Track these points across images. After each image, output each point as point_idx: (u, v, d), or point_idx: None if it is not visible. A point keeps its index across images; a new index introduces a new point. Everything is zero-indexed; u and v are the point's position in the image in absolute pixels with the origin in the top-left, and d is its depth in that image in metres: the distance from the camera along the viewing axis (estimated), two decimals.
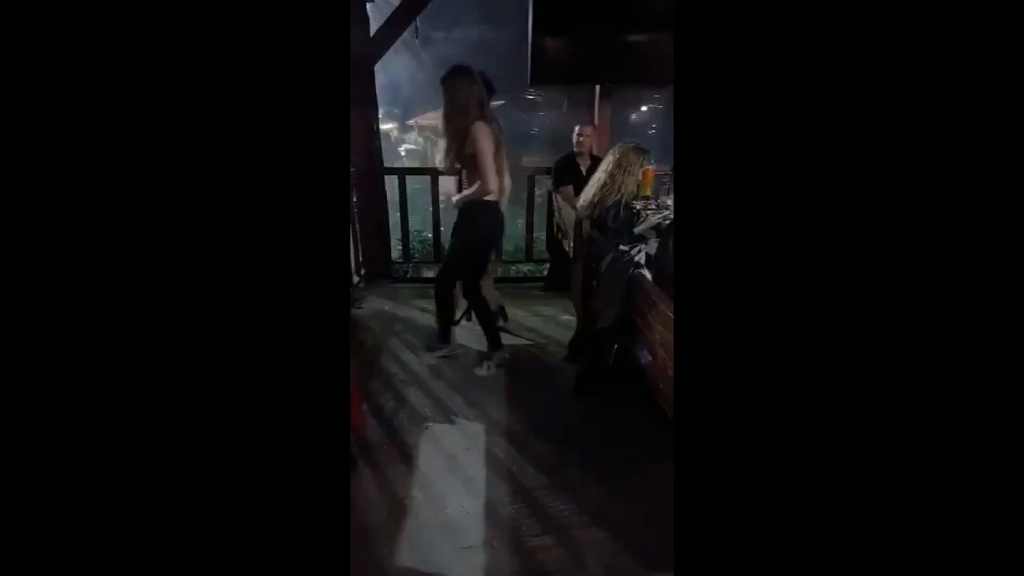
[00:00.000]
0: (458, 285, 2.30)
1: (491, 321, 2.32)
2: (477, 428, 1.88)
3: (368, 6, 3.03)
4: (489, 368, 2.26)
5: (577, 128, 2.96)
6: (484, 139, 1.97)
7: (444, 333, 2.41)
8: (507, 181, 2.25)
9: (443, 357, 2.39)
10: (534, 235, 3.50)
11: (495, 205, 2.11)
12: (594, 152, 2.99)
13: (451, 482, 1.61)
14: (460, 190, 2.19)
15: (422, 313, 2.94)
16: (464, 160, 2.04)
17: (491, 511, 1.49)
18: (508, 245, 3.97)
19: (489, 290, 2.53)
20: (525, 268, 3.85)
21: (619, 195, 2.01)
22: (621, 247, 1.76)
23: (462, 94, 1.96)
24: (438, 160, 2.10)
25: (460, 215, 2.17)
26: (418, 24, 3.10)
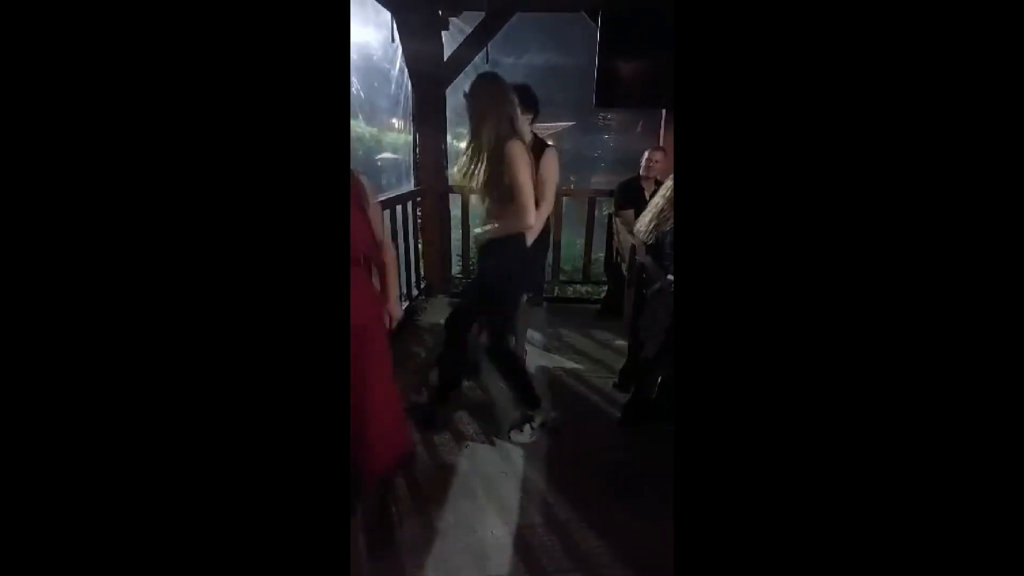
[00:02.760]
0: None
1: (522, 376, 1.92)
2: (517, 452, 1.86)
3: (443, 33, 3.17)
4: (532, 433, 1.90)
5: (647, 152, 2.90)
6: (521, 162, 1.60)
7: (531, 397, 1.92)
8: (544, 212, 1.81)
9: (546, 428, 1.96)
10: (592, 256, 3.46)
11: (520, 237, 1.72)
12: (659, 177, 2.92)
13: (484, 506, 1.59)
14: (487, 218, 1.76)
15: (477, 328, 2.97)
16: (496, 185, 1.65)
17: (521, 540, 1.46)
18: (566, 264, 3.96)
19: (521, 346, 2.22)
20: (582, 289, 3.81)
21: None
22: (669, 276, 1.69)
23: (490, 107, 1.61)
24: (466, 184, 1.72)
25: (482, 252, 1.79)
26: (489, 50, 3.20)
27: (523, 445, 1.88)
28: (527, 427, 1.91)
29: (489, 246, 1.73)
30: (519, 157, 1.60)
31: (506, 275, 1.76)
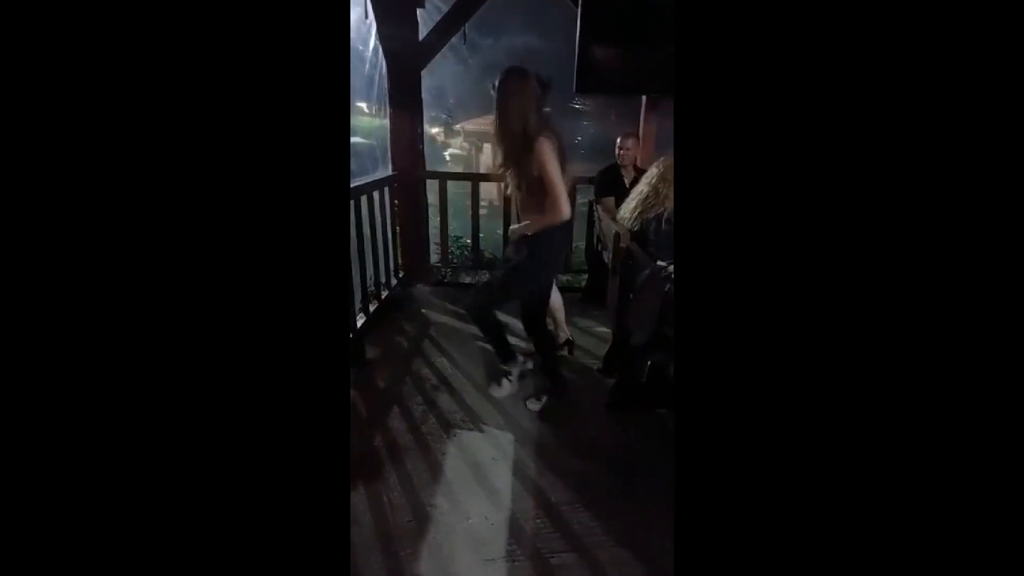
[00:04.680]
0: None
1: (556, 357, 2.11)
2: (506, 438, 1.87)
3: (418, 12, 3.09)
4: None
5: (619, 140, 2.91)
6: (551, 158, 1.65)
7: (506, 352, 2.05)
8: None
9: (520, 378, 2.10)
10: (573, 244, 3.46)
11: (566, 227, 1.86)
12: (638, 164, 2.93)
13: (477, 492, 1.59)
14: (518, 211, 1.88)
15: (457, 318, 2.95)
16: (526, 179, 1.72)
17: (515, 524, 1.47)
18: None
19: (561, 325, 2.44)
20: (563, 278, 3.81)
21: (661, 208, 1.96)
22: (659, 262, 1.71)
23: (519, 101, 1.65)
24: (500, 174, 1.81)
25: (519, 244, 1.85)
26: (466, 30, 3.13)
27: (527, 420, 1.98)
28: (545, 398, 2.06)
29: (528, 238, 1.80)
30: (548, 152, 1.65)
31: (551, 262, 1.90)
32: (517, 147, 1.69)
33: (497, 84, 1.69)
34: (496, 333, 2.00)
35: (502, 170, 1.77)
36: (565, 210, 1.69)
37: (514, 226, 1.86)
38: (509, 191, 1.87)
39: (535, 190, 1.71)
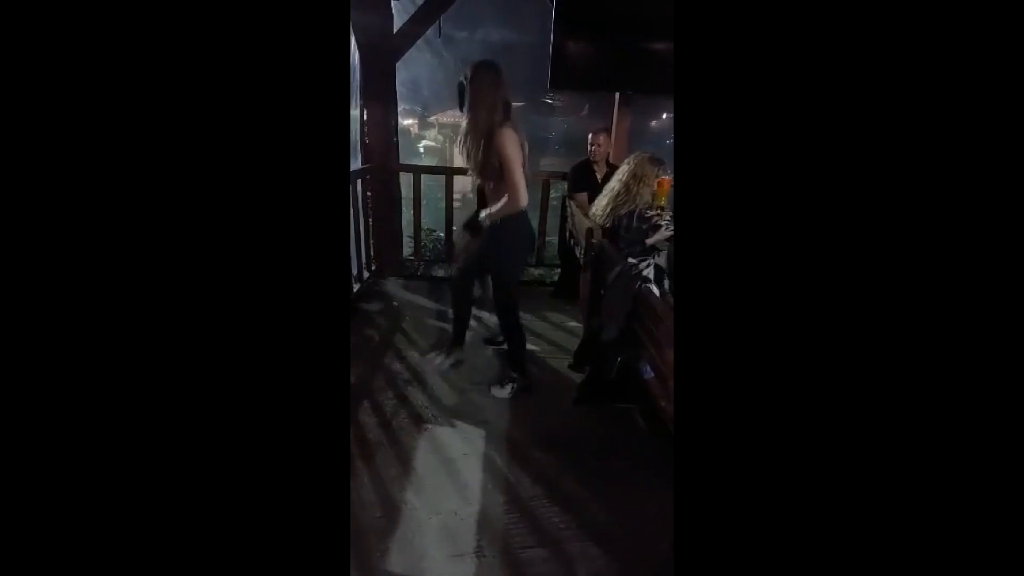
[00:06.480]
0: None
1: (523, 346, 2.13)
2: (477, 433, 1.87)
3: (393, 4, 3.04)
4: (512, 391, 2.11)
5: (591, 136, 2.93)
6: (512, 148, 1.74)
7: (460, 336, 2.27)
8: None
9: (454, 364, 2.30)
10: (546, 239, 3.48)
11: (524, 216, 1.90)
12: (610, 160, 2.96)
13: (447, 487, 1.59)
14: (485, 199, 1.98)
15: (430, 311, 2.93)
16: (489, 170, 1.80)
17: (485, 519, 1.47)
18: None
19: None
20: (536, 272, 3.83)
21: (633, 205, 1.99)
22: (630, 259, 1.73)
23: (490, 94, 1.74)
24: (469, 167, 1.89)
25: (490, 231, 1.93)
26: (441, 23, 3.10)
27: (498, 401, 2.08)
28: (509, 385, 2.11)
29: (495, 226, 1.88)
30: (510, 142, 1.73)
31: (513, 250, 1.95)
32: (484, 139, 1.76)
33: (468, 77, 1.75)
34: (523, 346, 2.13)
35: (471, 162, 1.83)
36: (523, 198, 1.79)
37: (481, 214, 1.92)
38: (478, 182, 1.93)
39: (499, 179, 1.80)
